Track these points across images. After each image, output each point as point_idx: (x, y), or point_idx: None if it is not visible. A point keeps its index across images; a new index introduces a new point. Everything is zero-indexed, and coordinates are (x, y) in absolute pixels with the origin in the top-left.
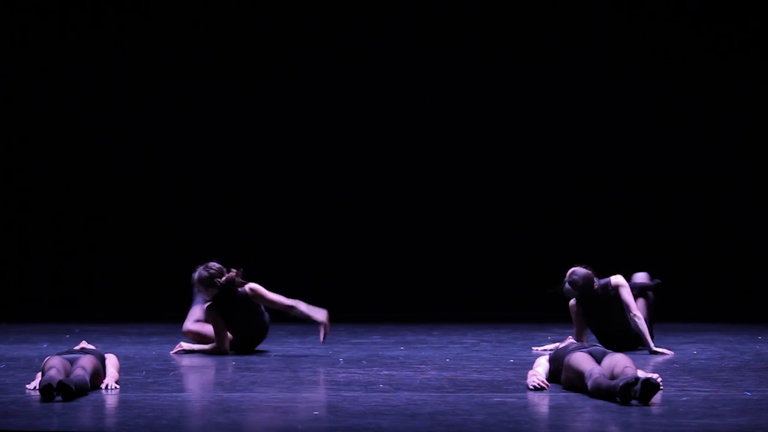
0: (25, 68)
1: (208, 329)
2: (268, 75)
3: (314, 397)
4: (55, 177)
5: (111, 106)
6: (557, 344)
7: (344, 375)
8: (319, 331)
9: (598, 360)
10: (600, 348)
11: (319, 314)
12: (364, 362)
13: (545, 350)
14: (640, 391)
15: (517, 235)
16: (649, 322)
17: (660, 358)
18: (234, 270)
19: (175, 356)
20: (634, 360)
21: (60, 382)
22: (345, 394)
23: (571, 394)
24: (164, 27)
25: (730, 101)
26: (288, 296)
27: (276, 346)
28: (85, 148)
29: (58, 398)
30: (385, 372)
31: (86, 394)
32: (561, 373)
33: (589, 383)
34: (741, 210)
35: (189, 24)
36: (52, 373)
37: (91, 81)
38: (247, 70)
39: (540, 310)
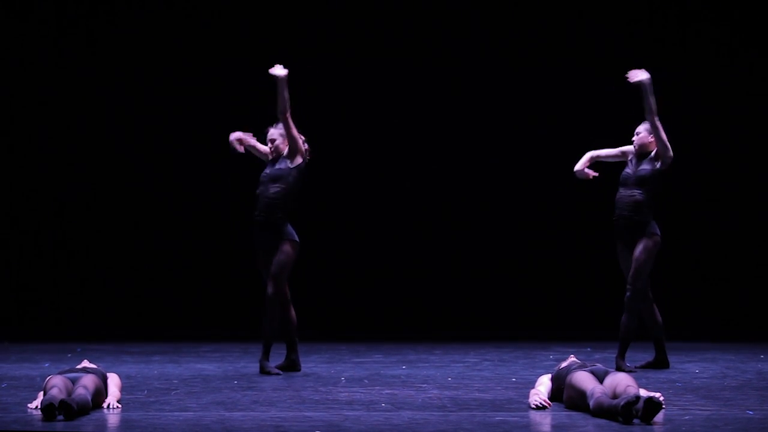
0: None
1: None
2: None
3: (316, 416)
4: (55, 196)
5: (106, 113)
6: None
7: (346, 394)
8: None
9: (600, 379)
10: (602, 367)
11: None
12: (366, 381)
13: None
14: (642, 410)
15: (520, 254)
16: None
17: (662, 375)
18: None
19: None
20: (636, 379)
21: (62, 402)
22: (347, 413)
23: (573, 413)
24: (149, 27)
25: (727, 110)
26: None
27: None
28: (86, 165)
29: (60, 417)
30: (387, 391)
31: (88, 414)
32: (563, 392)
33: (591, 402)
34: (744, 227)
35: (177, 23)
36: (54, 392)
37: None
38: (241, 71)
39: (542, 329)
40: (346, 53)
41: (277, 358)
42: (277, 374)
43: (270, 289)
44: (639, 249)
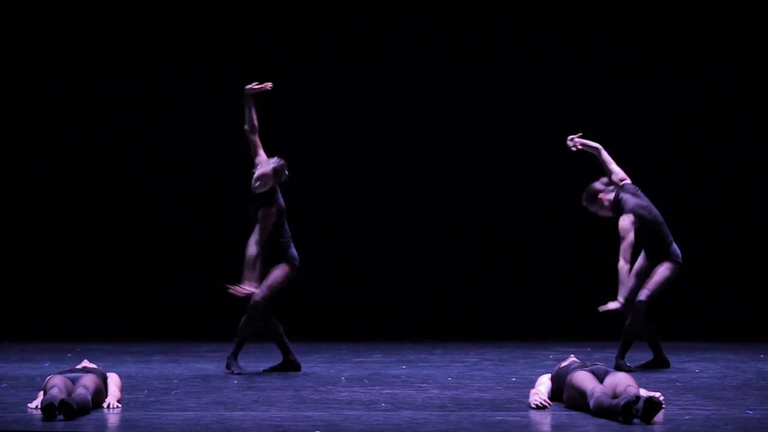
0: None
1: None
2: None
3: (316, 416)
4: (56, 197)
5: (106, 112)
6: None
7: (346, 394)
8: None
9: (600, 379)
10: (602, 367)
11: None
12: (366, 381)
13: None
14: (642, 410)
15: (519, 254)
16: None
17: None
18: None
19: None
20: (636, 379)
21: (62, 401)
22: (347, 412)
23: (573, 413)
24: (144, 27)
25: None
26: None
27: None
28: (86, 165)
29: (60, 417)
30: (387, 391)
31: (88, 413)
32: (563, 392)
33: (591, 402)
34: (745, 227)
35: (177, 23)
36: (54, 392)
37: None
38: (236, 72)
39: (542, 329)
40: (344, 55)
41: (276, 358)
42: (239, 374)
43: (257, 297)
44: (666, 265)
